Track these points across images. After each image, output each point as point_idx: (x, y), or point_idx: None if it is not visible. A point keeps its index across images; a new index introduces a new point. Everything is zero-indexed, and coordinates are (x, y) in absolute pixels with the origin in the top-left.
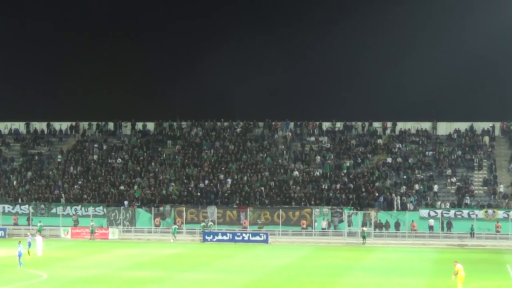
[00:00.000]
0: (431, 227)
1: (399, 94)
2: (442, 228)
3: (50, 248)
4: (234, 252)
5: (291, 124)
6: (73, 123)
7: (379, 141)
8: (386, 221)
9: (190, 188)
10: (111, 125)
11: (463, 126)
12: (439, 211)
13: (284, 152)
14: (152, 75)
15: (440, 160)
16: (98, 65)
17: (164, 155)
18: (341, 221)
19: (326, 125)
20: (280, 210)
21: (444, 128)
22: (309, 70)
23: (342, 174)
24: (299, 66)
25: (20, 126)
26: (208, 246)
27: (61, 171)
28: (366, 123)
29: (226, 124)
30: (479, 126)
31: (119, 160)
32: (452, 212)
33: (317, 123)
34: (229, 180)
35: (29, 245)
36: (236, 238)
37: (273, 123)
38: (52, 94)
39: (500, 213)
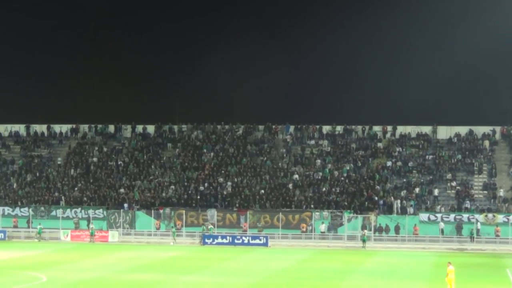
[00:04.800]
0: (442, 231)
1: (399, 98)
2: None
3: (50, 250)
4: (234, 255)
5: (291, 128)
6: (73, 126)
7: (379, 144)
8: (386, 225)
9: (190, 191)
10: (111, 128)
11: (463, 130)
12: (439, 215)
13: (284, 155)
14: (152, 78)
15: (440, 164)
16: (98, 67)
17: (164, 158)
18: (340, 224)
19: (326, 128)
20: (280, 213)
21: (444, 132)
22: (310, 74)
23: (342, 177)
24: (299, 70)
25: (20, 128)
26: (208, 249)
27: (61, 174)
28: (366, 127)
29: (226, 127)
30: (479, 130)
31: (119, 162)
32: (452, 216)
33: (317, 126)
34: (229, 183)
35: None
36: (236, 241)
37: (273, 126)
38: (52, 97)
39: (500, 217)
